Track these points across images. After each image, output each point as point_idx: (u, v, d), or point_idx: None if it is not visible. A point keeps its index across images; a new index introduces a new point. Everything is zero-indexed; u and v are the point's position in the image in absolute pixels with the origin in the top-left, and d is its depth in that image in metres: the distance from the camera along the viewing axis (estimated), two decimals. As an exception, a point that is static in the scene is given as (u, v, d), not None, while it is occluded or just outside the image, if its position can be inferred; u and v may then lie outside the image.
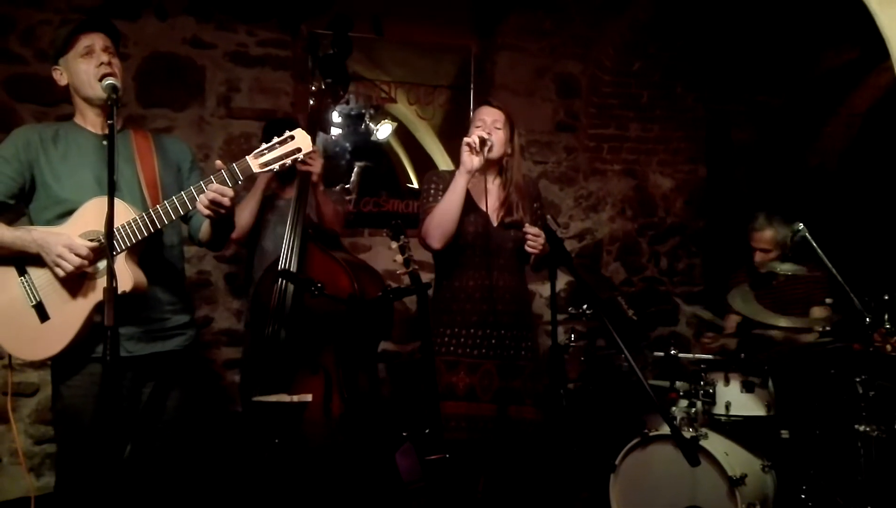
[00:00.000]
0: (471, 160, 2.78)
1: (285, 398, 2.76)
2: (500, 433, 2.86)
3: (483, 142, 2.78)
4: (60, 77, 2.36)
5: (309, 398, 2.78)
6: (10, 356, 2.40)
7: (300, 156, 2.21)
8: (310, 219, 3.13)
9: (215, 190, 2.16)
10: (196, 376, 2.61)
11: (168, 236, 2.45)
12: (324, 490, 2.78)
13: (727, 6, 4.38)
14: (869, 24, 2.49)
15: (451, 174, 2.92)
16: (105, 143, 2.34)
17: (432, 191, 2.97)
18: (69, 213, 2.28)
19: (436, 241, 2.86)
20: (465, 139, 2.79)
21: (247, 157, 2.22)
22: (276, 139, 2.21)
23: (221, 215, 2.22)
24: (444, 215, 2.83)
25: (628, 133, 4.92)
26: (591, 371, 4.03)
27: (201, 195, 2.18)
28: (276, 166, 2.21)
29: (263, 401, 2.76)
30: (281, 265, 2.96)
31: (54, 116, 3.48)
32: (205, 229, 2.44)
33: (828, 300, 3.43)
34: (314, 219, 3.26)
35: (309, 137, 2.23)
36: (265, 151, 2.21)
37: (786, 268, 3.45)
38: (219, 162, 2.22)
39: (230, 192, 2.19)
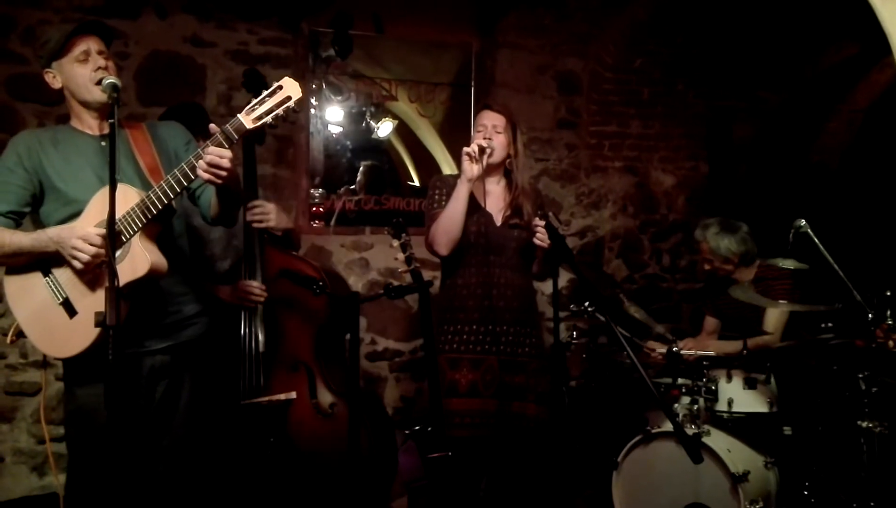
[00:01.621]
0: (471, 169, 2.85)
1: (272, 398, 2.80)
2: (503, 428, 2.87)
3: (482, 150, 2.85)
4: (54, 80, 2.35)
5: (294, 395, 2.82)
6: (44, 356, 2.42)
7: (291, 104, 2.15)
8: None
9: (212, 152, 2.13)
10: (211, 363, 2.59)
11: (175, 226, 2.45)
12: (318, 487, 2.79)
13: (727, 2, 4.37)
14: (870, 19, 2.48)
15: (456, 179, 2.97)
16: (103, 144, 2.35)
17: (436, 197, 3.03)
18: (79, 213, 2.28)
19: (443, 248, 2.94)
20: (465, 148, 2.86)
21: (238, 115, 2.16)
22: (265, 92, 2.16)
23: (225, 179, 2.17)
24: (449, 222, 2.90)
25: (629, 130, 4.91)
26: (594, 369, 4.02)
27: (200, 161, 2.14)
28: (269, 119, 2.15)
29: (252, 403, 2.78)
30: (244, 274, 2.91)
31: (56, 115, 3.49)
32: (213, 202, 2.41)
33: (781, 302, 3.40)
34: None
35: (297, 84, 2.15)
36: (256, 106, 2.15)
37: (787, 264, 3.44)
38: (213, 126, 2.18)
39: (228, 153, 2.15)
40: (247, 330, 2.89)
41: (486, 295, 2.93)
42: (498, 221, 3.01)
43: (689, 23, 4.54)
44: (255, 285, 2.88)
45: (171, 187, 2.20)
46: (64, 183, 2.31)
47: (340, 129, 4.28)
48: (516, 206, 3.01)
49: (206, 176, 2.15)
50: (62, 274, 2.28)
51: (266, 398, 2.80)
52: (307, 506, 2.85)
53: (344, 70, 4.22)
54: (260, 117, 2.15)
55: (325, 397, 2.89)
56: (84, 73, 2.28)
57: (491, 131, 2.96)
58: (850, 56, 4.90)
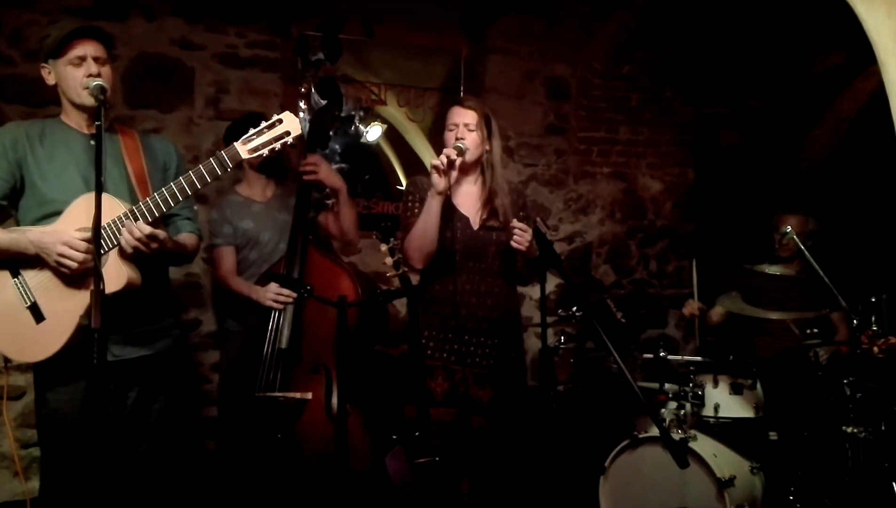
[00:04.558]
0: (440, 182, 2.68)
1: (287, 394, 2.82)
2: (478, 442, 2.79)
3: (451, 163, 2.68)
4: (49, 76, 2.36)
5: (309, 396, 2.83)
6: (4, 360, 2.37)
7: (290, 140, 2.19)
8: (310, 224, 3.15)
9: (140, 231, 2.16)
10: (181, 378, 2.60)
11: None
12: (321, 489, 2.78)
13: (716, 11, 4.40)
14: (856, 28, 2.51)
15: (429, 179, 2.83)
16: (92, 143, 2.33)
17: (409, 203, 2.90)
18: (56, 213, 2.26)
19: (417, 262, 2.82)
20: (433, 161, 2.69)
21: (235, 143, 2.21)
22: (263, 123, 2.20)
23: (144, 255, 2.21)
24: (422, 236, 2.76)
25: (618, 136, 4.94)
26: (581, 374, 4.03)
27: (126, 235, 2.16)
28: (265, 152, 2.19)
29: (267, 396, 2.82)
30: (284, 269, 2.99)
31: (42, 116, 3.44)
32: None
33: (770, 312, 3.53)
34: (333, 229, 3.31)
35: (297, 120, 2.21)
36: (253, 137, 2.19)
37: (773, 270, 3.48)
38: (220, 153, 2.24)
39: (161, 233, 2.21)
40: (273, 325, 2.96)
41: (464, 303, 2.79)
42: (475, 223, 2.86)
43: (677, 30, 4.57)
44: (279, 292, 2.98)
45: (157, 206, 2.22)
46: (44, 182, 2.30)
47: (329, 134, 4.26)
48: (492, 207, 2.85)
49: (129, 251, 2.19)
50: (33, 278, 2.25)
51: (281, 394, 2.82)
52: (304, 506, 2.84)
53: (333, 74, 4.21)
54: (256, 149, 2.19)
55: (336, 404, 2.84)
56: (76, 76, 2.29)
57: (463, 130, 2.79)
58: (837, 64, 4.94)
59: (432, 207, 2.73)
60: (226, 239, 3.31)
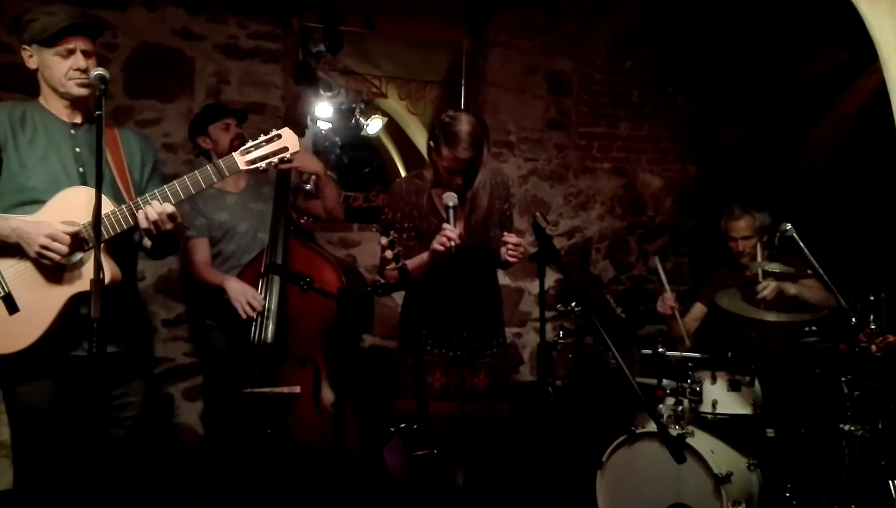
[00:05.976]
0: (442, 252, 2.61)
1: (274, 389, 2.81)
2: (477, 430, 2.81)
3: (457, 246, 2.58)
4: (30, 59, 2.34)
5: (297, 389, 2.82)
6: None
7: (287, 155, 2.24)
8: (290, 214, 3.15)
9: (163, 209, 2.18)
10: (150, 373, 2.60)
11: (134, 236, 2.43)
12: (312, 483, 2.78)
13: (718, 7, 4.39)
14: (858, 26, 2.50)
15: (414, 183, 2.83)
16: (73, 132, 2.35)
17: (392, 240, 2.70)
18: (32, 201, 2.24)
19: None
20: (435, 246, 2.59)
21: (233, 153, 2.25)
22: (262, 137, 2.24)
23: (161, 234, 2.23)
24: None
25: (618, 131, 4.93)
26: (580, 369, 4.04)
27: (148, 208, 2.18)
28: (262, 165, 2.24)
29: (255, 392, 2.81)
30: (267, 260, 2.97)
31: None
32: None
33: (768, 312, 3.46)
34: (317, 211, 3.31)
35: (296, 137, 2.25)
36: (251, 149, 2.24)
37: (773, 267, 3.47)
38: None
39: (178, 217, 2.23)
40: (258, 320, 2.95)
41: (454, 301, 2.79)
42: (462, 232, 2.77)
43: (679, 26, 4.56)
44: (256, 299, 2.96)
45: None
46: (23, 168, 2.27)
47: (329, 125, 4.25)
48: (477, 220, 2.80)
49: (145, 225, 2.21)
50: (9, 267, 2.22)
51: (269, 389, 2.82)
52: (296, 501, 2.84)
53: (334, 66, 4.20)
54: (254, 161, 2.24)
55: (329, 395, 2.88)
56: (63, 67, 2.28)
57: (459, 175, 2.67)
58: (838, 63, 4.94)
59: (427, 262, 2.71)
60: (199, 231, 3.25)
